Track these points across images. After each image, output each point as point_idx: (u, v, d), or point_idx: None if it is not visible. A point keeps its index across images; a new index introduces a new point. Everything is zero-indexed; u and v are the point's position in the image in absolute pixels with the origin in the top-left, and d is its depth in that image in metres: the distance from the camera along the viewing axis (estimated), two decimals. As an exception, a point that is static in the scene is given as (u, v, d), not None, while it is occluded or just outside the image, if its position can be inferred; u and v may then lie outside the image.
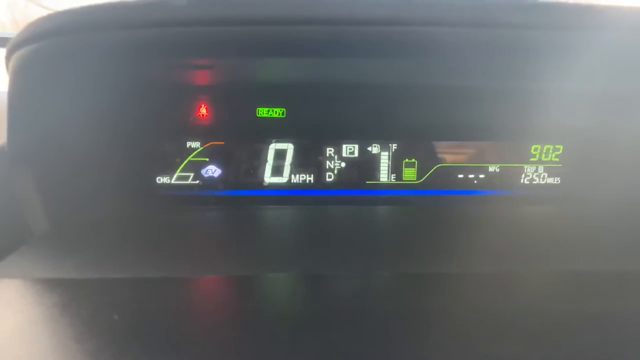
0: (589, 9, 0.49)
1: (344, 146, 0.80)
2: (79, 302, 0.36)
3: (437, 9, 0.49)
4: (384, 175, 0.82)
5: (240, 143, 0.80)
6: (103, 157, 0.70)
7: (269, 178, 0.80)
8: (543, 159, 0.83)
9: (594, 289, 0.41)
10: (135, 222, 0.66)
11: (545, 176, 0.84)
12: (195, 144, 0.78)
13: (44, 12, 0.62)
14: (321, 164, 0.81)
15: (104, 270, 0.45)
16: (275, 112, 0.78)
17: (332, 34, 0.49)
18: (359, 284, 0.42)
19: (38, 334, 0.32)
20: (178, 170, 0.78)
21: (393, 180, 0.82)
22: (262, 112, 0.78)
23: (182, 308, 0.37)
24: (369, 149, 0.81)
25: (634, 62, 0.60)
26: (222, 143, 0.79)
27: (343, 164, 0.81)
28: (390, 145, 0.81)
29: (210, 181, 0.79)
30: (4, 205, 0.61)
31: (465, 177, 0.83)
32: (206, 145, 0.78)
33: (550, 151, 0.83)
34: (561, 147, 0.82)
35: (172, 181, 0.79)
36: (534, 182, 0.84)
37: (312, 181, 0.81)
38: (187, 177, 0.79)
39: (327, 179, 0.81)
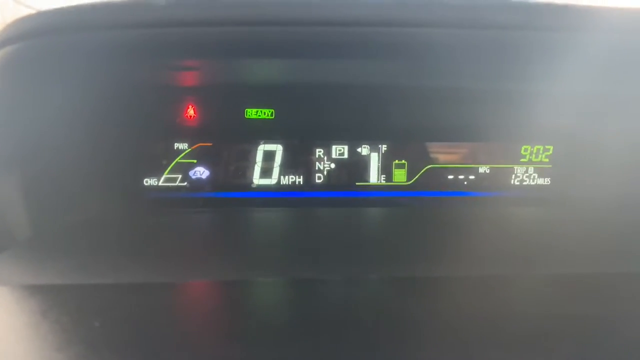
0: (578, 10, 0.49)
1: (334, 147, 0.80)
2: (60, 309, 0.35)
3: (425, 10, 0.48)
4: (374, 176, 0.81)
5: (228, 144, 0.79)
6: (89, 159, 0.69)
7: (257, 180, 0.80)
8: (533, 159, 0.83)
9: (584, 292, 0.41)
10: (121, 225, 0.65)
11: (536, 177, 0.84)
12: (183, 146, 0.77)
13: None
14: (310, 165, 0.80)
15: (86, 275, 0.44)
16: (264, 113, 0.78)
17: (319, 35, 0.49)
18: (348, 288, 0.42)
19: (17, 342, 0.31)
20: (165, 172, 0.78)
21: (383, 182, 0.81)
22: (251, 113, 0.77)
23: (166, 314, 0.36)
24: (359, 150, 0.80)
25: (623, 63, 0.60)
26: (210, 144, 0.78)
27: (332, 165, 0.80)
28: (380, 146, 0.81)
29: (198, 183, 0.79)
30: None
31: (456, 178, 0.83)
32: (194, 147, 0.78)
33: (541, 151, 0.83)
34: (551, 148, 0.82)
35: (160, 183, 0.78)
36: (524, 183, 0.84)
37: (301, 183, 0.81)
38: (174, 179, 0.78)
39: (317, 181, 0.81)
